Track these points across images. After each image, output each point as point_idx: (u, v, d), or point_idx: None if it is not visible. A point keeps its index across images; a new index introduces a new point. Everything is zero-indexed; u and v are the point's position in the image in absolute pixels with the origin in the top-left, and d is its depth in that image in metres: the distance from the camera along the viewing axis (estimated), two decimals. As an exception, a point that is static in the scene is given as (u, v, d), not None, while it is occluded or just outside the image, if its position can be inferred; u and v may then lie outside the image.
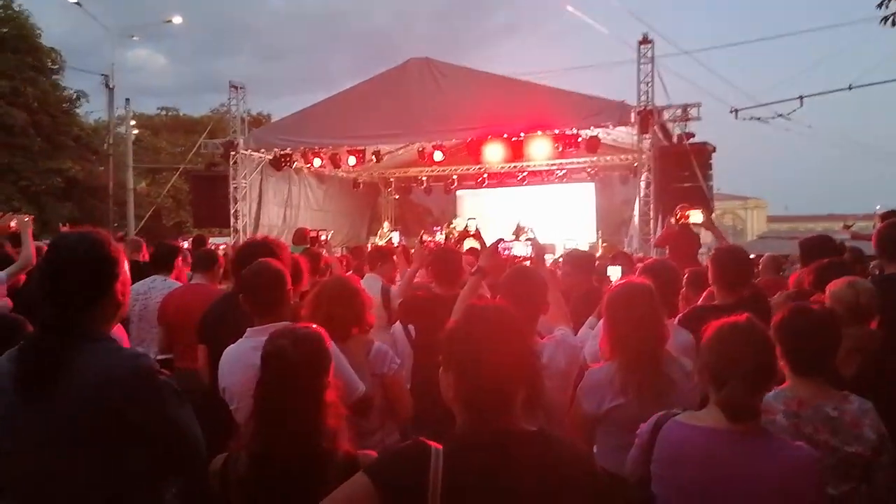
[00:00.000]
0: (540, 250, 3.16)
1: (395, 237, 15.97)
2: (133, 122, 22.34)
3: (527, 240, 3.13)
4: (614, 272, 4.37)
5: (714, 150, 12.04)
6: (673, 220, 6.73)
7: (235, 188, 14.91)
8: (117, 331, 2.44)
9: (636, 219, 12.79)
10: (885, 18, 7.18)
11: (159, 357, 4.40)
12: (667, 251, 6.64)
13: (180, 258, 5.17)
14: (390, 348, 3.13)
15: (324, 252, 5.75)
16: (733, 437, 1.86)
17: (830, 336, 2.28)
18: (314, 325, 2.21)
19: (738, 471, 1.83)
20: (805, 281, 3.25)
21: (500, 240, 3.30)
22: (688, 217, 4.92)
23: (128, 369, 1.77)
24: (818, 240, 4.16)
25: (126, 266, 1.92)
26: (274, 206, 16.02)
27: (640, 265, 3.71)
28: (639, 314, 2.54)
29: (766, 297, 3.65)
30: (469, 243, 10.54)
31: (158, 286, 4.93)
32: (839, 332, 2.30)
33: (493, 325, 1.61)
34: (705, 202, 10.45)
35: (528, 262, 3.20)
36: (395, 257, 5.66)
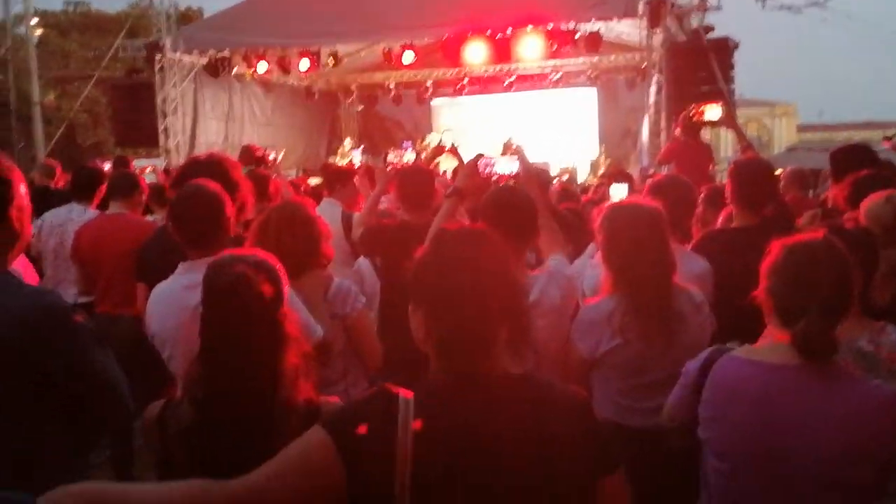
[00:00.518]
0: (528, 166, 3.15)
1: (357, 156, 15.81)
2: (35, 21, 21.47)
3: (512, 153, 3.10)
4: (618, 192, 4.36)
5: (737, 46, 11.94)
6: (679, 129, 6.71)
7: (164, 100, 14.54)
8: (23, 268, 2.40)
9: (645, 130, 12.76)
10: None
11: (79, 301, 4.39)
12: (673, 168, 6.64)
13: (104, 185, 5.09)
14: (354, 285, 3.13)
15: (273, 175, 5.67)
16: (805, 375, 1.88)
17: (866, 261, 2.30)
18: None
19: (810, 412, 1.86)
20: (839, 197, 3.27)
21: (480, 155, 3.27)
22: (702, 114, 4.88)
23: (33, 308, 1.76)
24: (852, 150, 4.17)
25: (23, 188, 1.87)
26: (212, 121, 15.74)
27: (648, 182, 3.72)
28: (641, 239, 2.56)
29: (793, 217, 3.69)
30: (445, 162, 10.48)
31: (76, 217, 4.89)
32: (876, 255, 2.33)
33: (468, 251, 1.59)
34: (728, 106, 10.44)
35: (513, 181, 3.18)
36: (356, 179, 5.63)
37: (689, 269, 2.97)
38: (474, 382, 1.56)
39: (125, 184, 4.77)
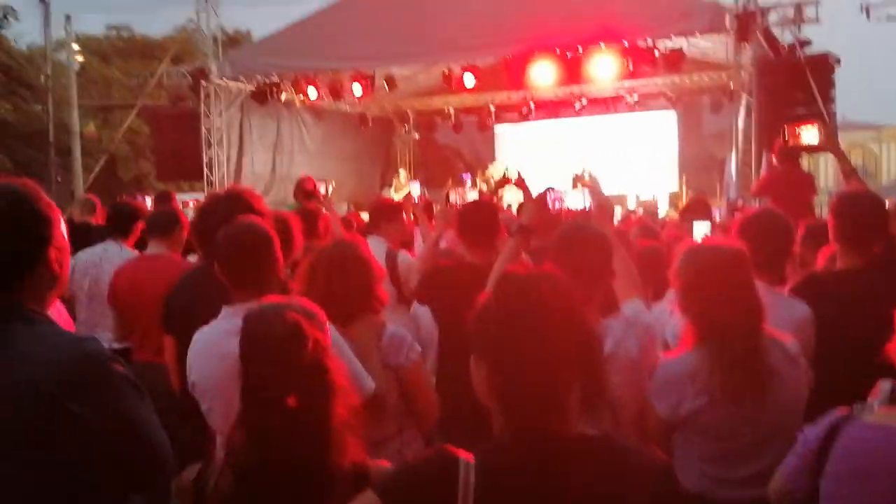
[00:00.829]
0: (603, 200, 3.12)
1: (416, 189, 15.90)
2: (76, 48, 22.47)
3: (584, 186, 3.09)
4: (701, 229, 4.32)
5: (838, 62, 11.72)
6: (775, 156, 6.57)
7: (209, 129, 15.01)
8: (56, 312, 2.48)
9: (733, 158, 12.58)
10: None
11: (114, 346, 4.51)
12: (769, 201, 6.52)
13: (142, 222, 5.22)
14: (408, 333, 3.14)
15: (323, 209, 5.76)
16: None
17: None
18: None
19: None
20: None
21: (550, 189, 3.26)
22: (798, 137, 4.77)
23: (71, 354, 1.80)
24: None
25: (63, 228, 1.94)
26: (259, 151, 16.15)
27: (738, 217, 3.66)
28: (724, 284, 2.51)
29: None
30: (509, 195, 10.48)
31: (112, 256, 5.03)
32: None
33: (535, 297, 1.58)
34: (826, 131, 10.24)
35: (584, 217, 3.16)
36: (406, 214, 5.67)
37: (788, 316, 2.90)
38: (542, 443, 1.54)
39: (164, 221, 4.81)
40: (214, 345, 2.68)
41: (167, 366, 3.79)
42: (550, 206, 3.13)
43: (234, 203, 3.37)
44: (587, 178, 3.18)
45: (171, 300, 3.68)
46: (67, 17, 21.54)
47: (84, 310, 5.09)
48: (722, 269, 2.56)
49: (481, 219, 3.99)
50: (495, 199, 6.54)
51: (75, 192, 18.32)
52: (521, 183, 5.48)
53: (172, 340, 3.65)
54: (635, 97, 16.83)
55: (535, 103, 17.60)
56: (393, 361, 2.93)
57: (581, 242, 2.76)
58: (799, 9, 11.52)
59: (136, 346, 4.50)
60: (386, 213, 5.54)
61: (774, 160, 6.87)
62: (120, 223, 5.21)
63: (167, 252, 4.66)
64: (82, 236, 5.43)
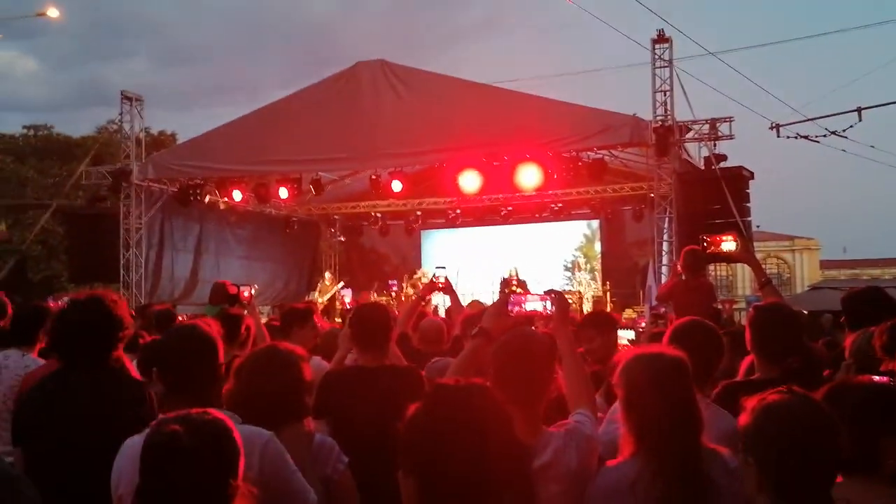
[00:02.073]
0: (564, 307, 3.13)
1: (348, 294, 15.74)
2: (-9, 145, 22.12)
3: (547, 292, 3.09)
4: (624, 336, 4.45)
5: (752, 176, 12.32)
6: (681, 265, 6.85)
7: (127, 230, 14.80)
8: None
9: (654, 265, 12.96)
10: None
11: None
12: (671, 307, 6.76)
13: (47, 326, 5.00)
14: (335, 442, 3.08)
15: (245, 313, 5.69)
16: None
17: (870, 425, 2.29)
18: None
19: None
20: (876, 344, 3.30)
21: (511, 291, 3.26)
22: (719, 244, 4.96)
23: None
24: (867, 294, 4.22)
25: None
26: (181, 253, 15.94)
27: (651, 323, 3.74)
28: (664, 393, 2.53)
29: (821, 367, 3.70)
30: (437, 297, 10.49)
31: (12, 364, 4.81)
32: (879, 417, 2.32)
33: (464, 412, 1.60)
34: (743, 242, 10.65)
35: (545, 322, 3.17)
36: (332, 314, 5.65)
37: (717, 427, 2.93)
38: None
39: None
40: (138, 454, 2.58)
41: None
42: (511, 311, 3.11)
43: (90, 307, 3.26)
44: (515, 279, 3.19)
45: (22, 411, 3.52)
46: (-17, 115, 21.25)
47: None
48: (663, 378, 2.59)
49: (373, 320, 4.01)
50: (424, 304, 6.54)
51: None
52: (447, 288, 5.50)
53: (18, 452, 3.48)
54: (559, 205, 17.35)
55: (461, 210, 17.98)
56: (321, 473, 2.85)
57: (518, 354, 2.71)
58: (714, 125, 12.14)
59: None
60: (297, 319, 5.51)
61: (679, 268, 7.15)
62: (23, 326, 4.97)
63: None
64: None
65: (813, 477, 1.86)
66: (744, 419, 2.01)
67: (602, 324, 4.60)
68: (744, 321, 4.10)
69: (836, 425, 1.92)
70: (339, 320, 12.69)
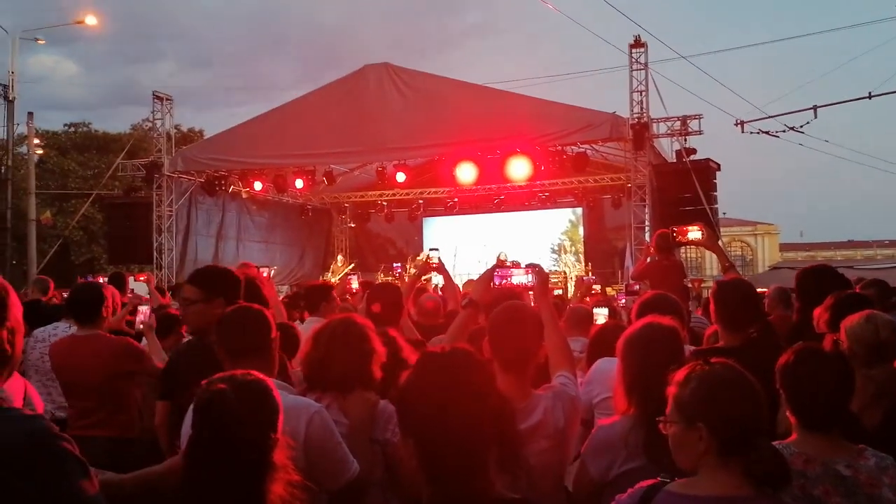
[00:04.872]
0: (544, 280, 3.14)
1: (354, 282, 15.63)
2: (36, 141, 22.06)
3: (528, 266, 3.09)
4: (601, 313, 4.49)
5: (718, 168, 12.34)
6: (653, 247, 6.89)
7: (160, 217, 14.81)
8: (13, 384, 2.37)
9: (631, 248, 13.00)
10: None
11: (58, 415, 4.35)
12: (647, 285, 6.78)
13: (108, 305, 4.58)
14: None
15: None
16: None
17: (841, 383, 2.32)
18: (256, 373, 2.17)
19: None
20: (820, 319, 3.32)
21: (498, 265, 3.26)
22: (686, 233, 5.00)
23: (18, 435, 1.71)
24: (820, 271, 4.24)
25: (17, 308, 1.87)
26: (204, 238, 15.94)
27: (629, 300, 3.76)
28: (656, 357, 2.53)
29: (778, 336, 3.72)
30: (435, 278, 10.53)
31: (60, 334, 4.84)
32: (852, 377, 2.35)
33: (452, 376, 1.60)
34: (710, 227, 10.68)
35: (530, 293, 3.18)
36: (340, 295, 5.64)
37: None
38: None
39: (87, 306, 4.36)
40: None
41: (105, 437, 3.72)
42: (497, 283, 3.12)
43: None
44: (507, 259, 3.20)
45: (170, 368, 3.59)
46: (29, 114, 21.21)
47: (32, 381, 4.84)
48: (655, 343, 2.62)
49: (387, 298, 4.02)
50: (422, 282, 6.58)
51: (28, 273, 17.67)
52: (440, 268, 5.51)
53: (165, 405, 3.53)
54: (546, 195, 17.36)
55: (459, 199, 17.99)
56: (380, 436, 2.82)
57: (511, 322, 2.73)
58: (685, 122, 12.16)
59: (72, 418, 4.28)
60: (324, 295, 5.52)
61: (652, 250, 7.20)
62: (84, 307, 4.74)
63: (99, 331, 4.37)
64: (32, 313, 5.18)
65: (750, 431, 1.88)
66: (673, 390, 1.98)
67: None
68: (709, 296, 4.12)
69: (756, 385, 1.94)
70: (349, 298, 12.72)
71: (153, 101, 15.06)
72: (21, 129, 21.77)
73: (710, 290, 3.88)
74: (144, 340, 4.72)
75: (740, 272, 5.58)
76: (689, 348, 3.14)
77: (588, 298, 7.28)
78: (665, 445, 2.14)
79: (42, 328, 5.12)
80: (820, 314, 3.29)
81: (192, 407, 2.01)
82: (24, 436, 1.70)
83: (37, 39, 21.73)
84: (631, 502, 1.99)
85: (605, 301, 5.68)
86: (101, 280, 6.07)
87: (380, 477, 2.80)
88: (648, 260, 7.29)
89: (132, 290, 5.67)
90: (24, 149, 22.86)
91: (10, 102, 19.55)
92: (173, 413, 3.46)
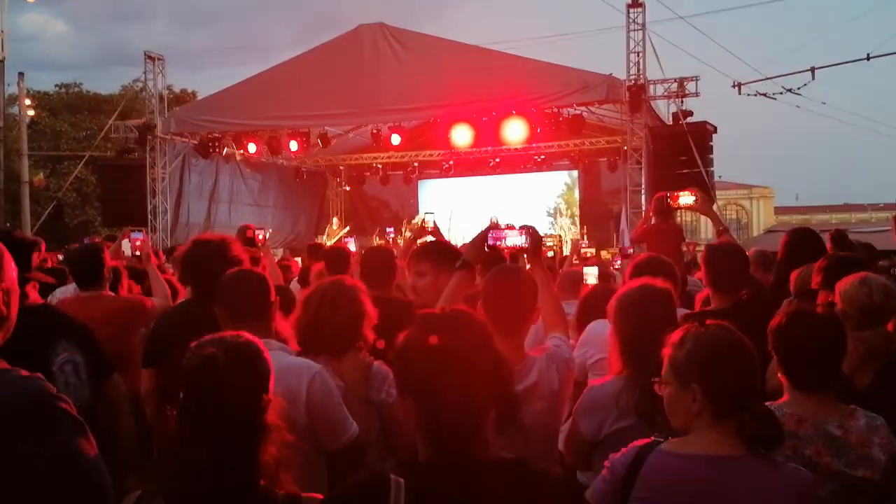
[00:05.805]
0: (537, 241, 3.15)
1: (352, 244, 15.58)
2: (28, 102, 21.80)
3: (522, 227, 3.09)
4: (590, 272, 4.51)
5: (715, 130, 12.30)
6: (652, 211, 6.91)
7: (153, 179, 14.73)
8: None
9: (626, 211, 12.99)
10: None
11: None
12: (645, 248, 6.81)
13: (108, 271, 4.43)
14: (389, 371, 3.04)
15: (261, 254, 5.69)
16: (735, 464, 1.89)
17: (834, 344, 2.34)
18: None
19: (754, 500, 1.85)
20: (814, 279, 3.35)
21: (492, 228, 3.26)
22: (677, 199, 5.03)
23: (15, 395, 1.72)
24: (807, 233, 4.27)
25: (12, 270, 1.86)
26: (197, 200, 15.88)
27: (623, 263, 3.78)
28: (649, 318, 2.55)
29: (769, 297, 3.76)
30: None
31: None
32: (845, 339, 2.37)
33: (451, 336, 1.61)
34: (706, 190, 10.68)
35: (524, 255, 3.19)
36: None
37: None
38: (464, 467, 1.57)
39: (88, 270, 4.33)
40: None
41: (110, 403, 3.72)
42: (491, 244, 3.12)
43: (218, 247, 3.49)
44: (501, 223, 3.19)
45: (155, 334, 3.62)
46: (20, 74, 20.96)
47: None
48: (649, 305, 2.64)
49: (378, 261, 4.03)
50: (417, 245, 6.57)
51: (23, 236, 17.63)
52: (435, 231, 5.49)
53: (151, 373, 3.55)
54: (542, 157, 17.28)
55: (454, 161, 17.89)
56: (375, 397, 2.84)
57: (505, 284, 2.74)
58: (681, 83, 12.08)
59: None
60: (340, 259, 5.38)
61: (651, 213, 7.22)
62: (87, 271, 4.66)
63: (101, 291, 4.37)
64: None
65: (744, 392, 1.91)
66: (668, 351, 2.02)
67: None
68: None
69: (751, 347, 1.96)
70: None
71: (145, 60, 14.85)
72: (12, 89, 21.53)
73: (700, 254, 3.90)
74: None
75: (735, 236, 5.60)
76: (681, 311, 3.15)
77: (576, 260, 7.32)
78: (656, 405, 2.17)
79: (60, 290, 5.10)
80: (813, 275, 3.31)
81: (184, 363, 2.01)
82: (21, 395, 1.71)
83: (26, -2, 21.36)
84: (625, 461, 2.02)
85: (594, 262, 5.69)
86: (97, 241, 6.03)
87: (376, 437, 2.83)
88: (648, 224, 7.31)
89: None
90: (14, 110, 22.64)
91: (0, 63, 19.30)
92: (161, 380, 3.48)
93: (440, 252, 3.47)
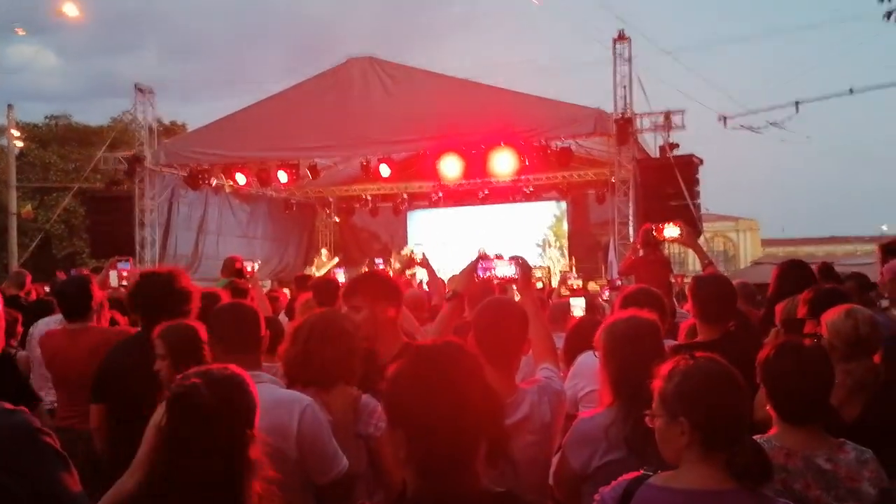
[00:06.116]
0: (527, 272, 3.14)
1: (341, 275, 15.59)
2: (16, 133, 21.78)
3: (512, 258, 3.09)
4: (577, 304, 4.53)
5: (701, 163, 12.38)
6: (639, 243, 6.96)
7: (142, 211, 14.68)
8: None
9: (614, 243, 13.04)
10: (889, 14, 7.41)
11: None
12: (633, 280, 6.85)
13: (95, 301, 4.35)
14: (379, 404, 3.02)
15: (250, 285, 5.69)
16: (724, 499, 1.87)
17: (822, 377, 2.34)
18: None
19: None
20: (800, 311, 3.37)
21: (481, 258, 3.26)
22: (662, 231, 5.07)
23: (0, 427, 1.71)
24: (798, 265, 4.32)
25: None
26: (185, 232, 15.82)
27: (612, 294, 3.79)
28: (638, 349, 2.55)
29: (756, 329, 3.77)
30: (420, 273, 10.53)
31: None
32: (832, 371, 2.38)
33: (442, 369, 1.59)
34: (693, 223, 10.74)
35: (514, 286, 3.19)
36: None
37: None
38: (454, 500, 1.55)
39: (77, 303, 4.32)
40: None
41: (89, 431, 3.67)
42: (481, 275, 3.12)
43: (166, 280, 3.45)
44: (489, 256, 3.20)
45: (103, 369, 3.57)
46: (9, 106, 20.96)
47: (34, 376, 4.81)
48: (637, 337, 2.63)
49: (331, 290, 4.05)
50: (407, 277, 6.56)
51: (9, 266, 17.51)
52: (424, 263, 5.51)
53: (101, 408, 3.53)
54: (530, 189, 17.35)
55: (443, 192, 17.95)
56: (363, 430, 2.82)
57: (496, 316, 2.73)
58: (668, 117, 12.18)
59: (60, 410, 4.26)
60: (329, 290, 5.37)
61: (638, 245, 7.27)
62: (73, 302, 4.57)
63: (88, 324, 4.32)
64: (14, 310, 5.12)
65: (733, 426, 1.91)
66: (658, 384, 2.01)
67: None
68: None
69: (740, 380, 1.96)
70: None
71: (135, 92, 14.85)
72: (0, 120, 21.51)
73: (688, 286, 3.92)
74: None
75: (723, 268, 5.64)
76: (669, 342, 3.16)
77: (565, 291, 7.34)
78: (647, 437, 2.17)
79: (43, 321, 5.09)
80: (799, 305, 3.33)
81: (164, 402, 1.99)
82: (4, 429, 1.70)
83: (15, 29, 21.45)
84: (614, 495, 2.00)
85: (581, 293, 5.74)
86: (85, 273, 6.00)
87: (364, 470, 2.81)
88: (636, 256, 7.36)
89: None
90: (3, 141, 22.59)
91: (-12, 94, 19.31)
92: (110, 417, 3.47)
93: (368, 283, 3.38)
